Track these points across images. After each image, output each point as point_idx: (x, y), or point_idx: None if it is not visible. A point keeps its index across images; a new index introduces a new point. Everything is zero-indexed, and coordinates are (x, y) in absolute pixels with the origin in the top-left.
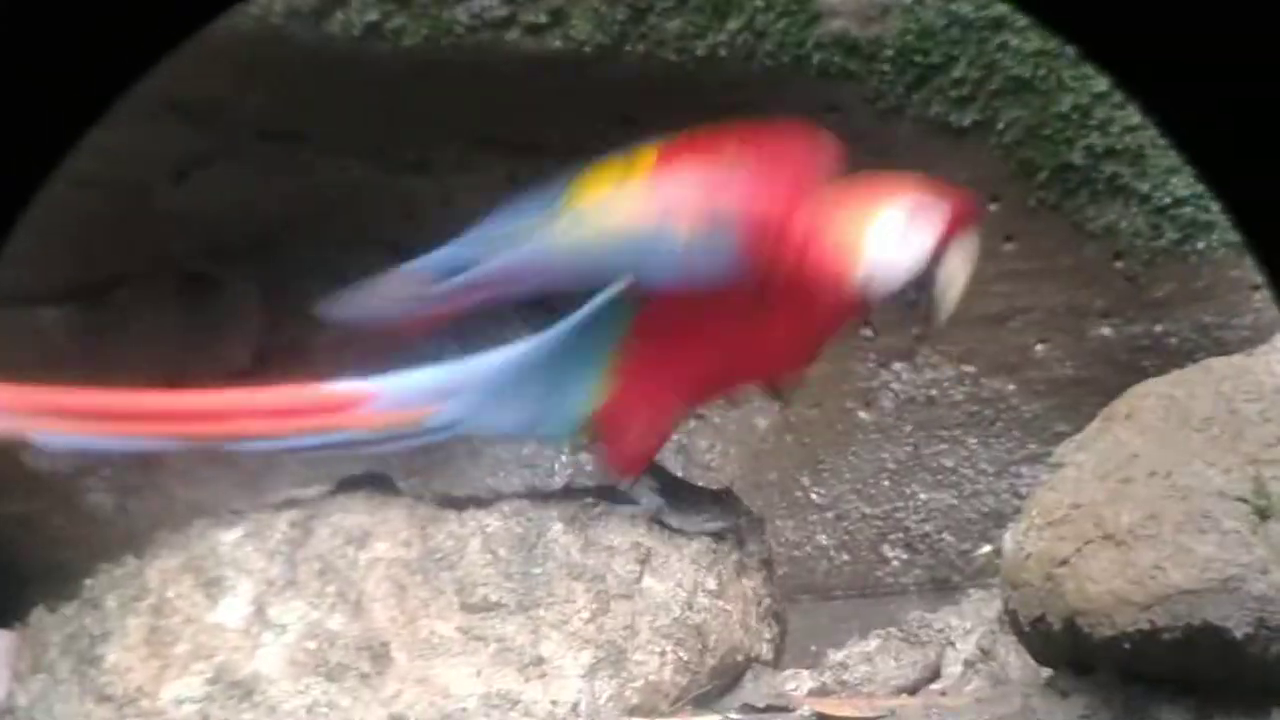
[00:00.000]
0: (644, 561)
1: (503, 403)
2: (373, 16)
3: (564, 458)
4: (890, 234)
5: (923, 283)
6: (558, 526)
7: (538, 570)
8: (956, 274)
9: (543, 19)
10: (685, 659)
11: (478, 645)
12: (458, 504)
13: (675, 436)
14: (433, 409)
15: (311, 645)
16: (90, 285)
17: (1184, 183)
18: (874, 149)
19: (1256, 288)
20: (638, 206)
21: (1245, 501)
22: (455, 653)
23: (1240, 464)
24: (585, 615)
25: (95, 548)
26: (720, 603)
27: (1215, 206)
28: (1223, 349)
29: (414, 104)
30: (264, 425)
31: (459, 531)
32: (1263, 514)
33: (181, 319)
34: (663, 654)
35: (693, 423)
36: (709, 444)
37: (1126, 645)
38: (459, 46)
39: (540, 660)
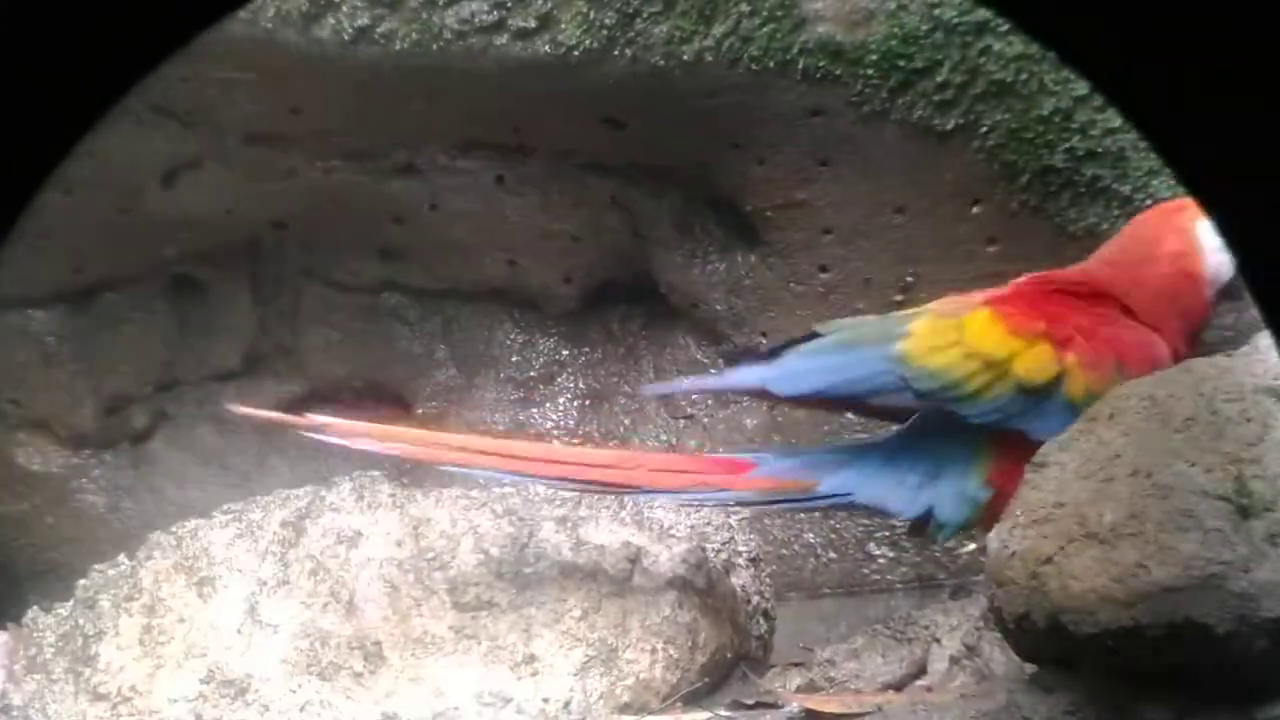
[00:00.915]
0: (634, 560)
1: (887, 482)
2: (363, 21)
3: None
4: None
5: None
6: (549, 525)
7: (529, 569)
8: None
9: (531, 24)
10: (675, 656)
11: (470, 644)
12: (450, 504)
13: (665, 437)
14: (815, 481)
15: (304, 644)
16: (79, 288)
17: (1165, 185)
18: (859, 152)
19: (1239, 290)
20: (1021, 366)
21: (1227, 500)
22: (447, 652)
23: (1222, 463)
24: (576, 614)
25: (89, 548)
26: (710, 601)
27: None
28: (1204, 349)
29: (403, 108)
30: (661, 480)
31: (451, 531)
32: (1244, 512)
33: (171, 322)
34: (653, 652)
35: (682, 423)
36: (698, 443)
37: (1110, 642)
38: (448, 51)
39: (532, 659)
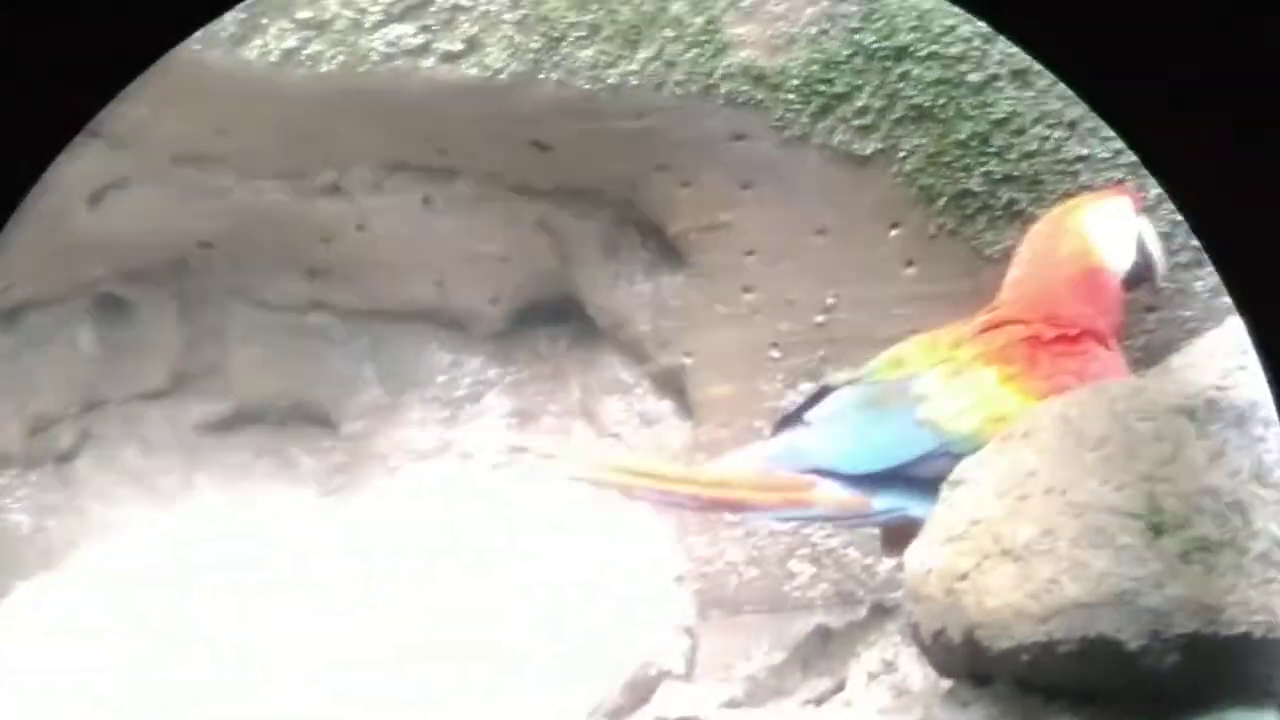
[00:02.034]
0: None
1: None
2: (290, 43)
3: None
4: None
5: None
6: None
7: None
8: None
9: (457, 47)
10: (604, 673)
11: None
12: (372, 516)
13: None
14: (869, 499)
15: None
16: (4, 308)
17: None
18: (781, 176)
19: (1150, 310)
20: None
21: (1139, 518)
22: None
23: (1134, 481)
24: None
25: (14, 567)
26: (633, 617)
27: None
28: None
29: (330, 129)
30: (760, 500)
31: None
32: (1156, 530)
33: (97, 341)
34: (583, 668)
35: (608, 441)
36: None
37: (1024, 657)
38: (375, 73)
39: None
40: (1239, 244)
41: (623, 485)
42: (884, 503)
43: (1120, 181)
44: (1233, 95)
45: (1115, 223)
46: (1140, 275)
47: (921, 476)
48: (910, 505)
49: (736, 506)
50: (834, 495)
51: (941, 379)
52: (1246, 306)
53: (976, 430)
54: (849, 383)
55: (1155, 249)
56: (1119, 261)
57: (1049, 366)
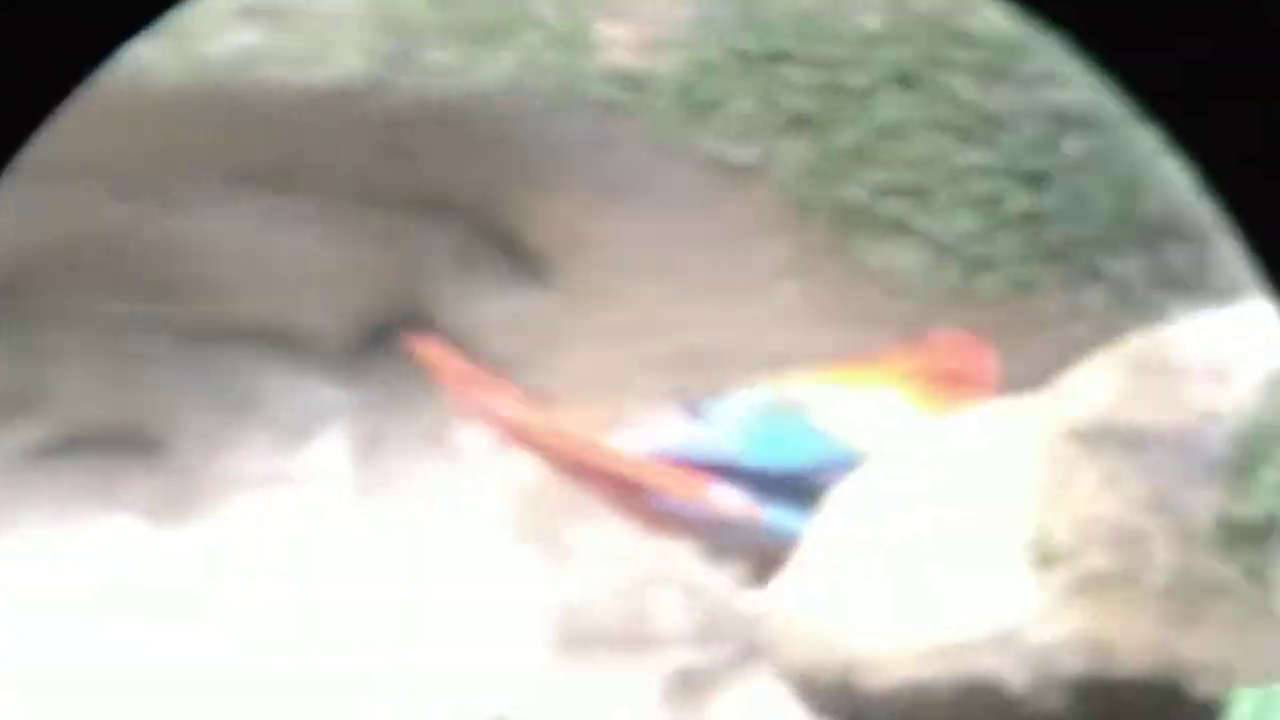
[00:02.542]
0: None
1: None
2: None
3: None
4: None
5: None
6: None
7: None
8: None
9: (304, 51)
10: (449, 711)
11: None
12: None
13: (438, 480)
14: (759, 510)
15: None
16: None
17: (968, 220)
18: (652, 186)
19: (1042, 327)
20: None
21: (1026, 548)
22: None
23: (1020, 509)
24: None
25: None
26: (481, 657)
27: (1000, 245)
28: (1005, 390)
29: (169, 139)
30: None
31: None
32: (1044, 561)
33: None
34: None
35: (460, 469)
36: (477, 490)
37: (901, 699)
38: (215, 80)
39: None
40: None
41: (530, 438)
42: (776, 516)
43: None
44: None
45: None
46: None
47: (818, 488)
48: (802, 526)
49: (640, 489)
50: (726, 499)
51: (842, 392)
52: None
53: (874, 444)
54: (745, 390)
55: None
56: None
57: (952, 397)
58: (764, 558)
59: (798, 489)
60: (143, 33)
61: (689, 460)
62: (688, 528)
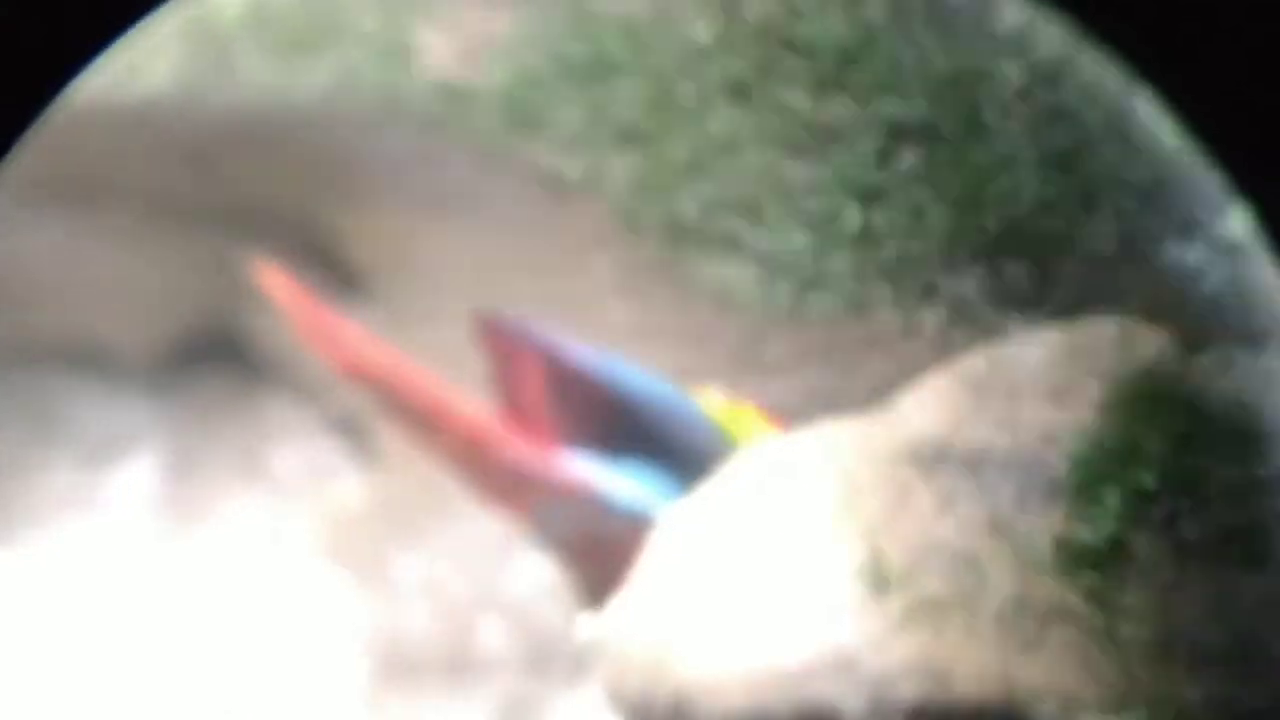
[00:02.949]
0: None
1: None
2: None
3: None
4: None
5: None
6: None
7: None
8: None
9: (120, 63)
10: None
11: None
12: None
13: (249, 507)
14: (609, 483)
15: None
16: None
17: (800, 237)
18: (476, 201)
19: (876, 345)
20: None
21: (860, 573)
22: None
23: (855, 533)
24: None
25: None
26: (302, 683)
27: (834, 262)
28: (838, 411)
29: None
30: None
31: None
32: (879, 586)
33: None
34: None
35: (276, 493)
36: (293, 515)
37: None
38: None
39: None
40: None
41: (369, 373)
42: (628, 489)
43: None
44: None
45: None
46: None
47: (672, 445)
48: (652, 502)
49: (482, 441)
50: (574, 468)
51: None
52: None
53: (726, 414)
54: None
55: None
56: None
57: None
58: (597, 543)
59: (654, 456)
60: None
61: (543, 358)
62: (522, 494)
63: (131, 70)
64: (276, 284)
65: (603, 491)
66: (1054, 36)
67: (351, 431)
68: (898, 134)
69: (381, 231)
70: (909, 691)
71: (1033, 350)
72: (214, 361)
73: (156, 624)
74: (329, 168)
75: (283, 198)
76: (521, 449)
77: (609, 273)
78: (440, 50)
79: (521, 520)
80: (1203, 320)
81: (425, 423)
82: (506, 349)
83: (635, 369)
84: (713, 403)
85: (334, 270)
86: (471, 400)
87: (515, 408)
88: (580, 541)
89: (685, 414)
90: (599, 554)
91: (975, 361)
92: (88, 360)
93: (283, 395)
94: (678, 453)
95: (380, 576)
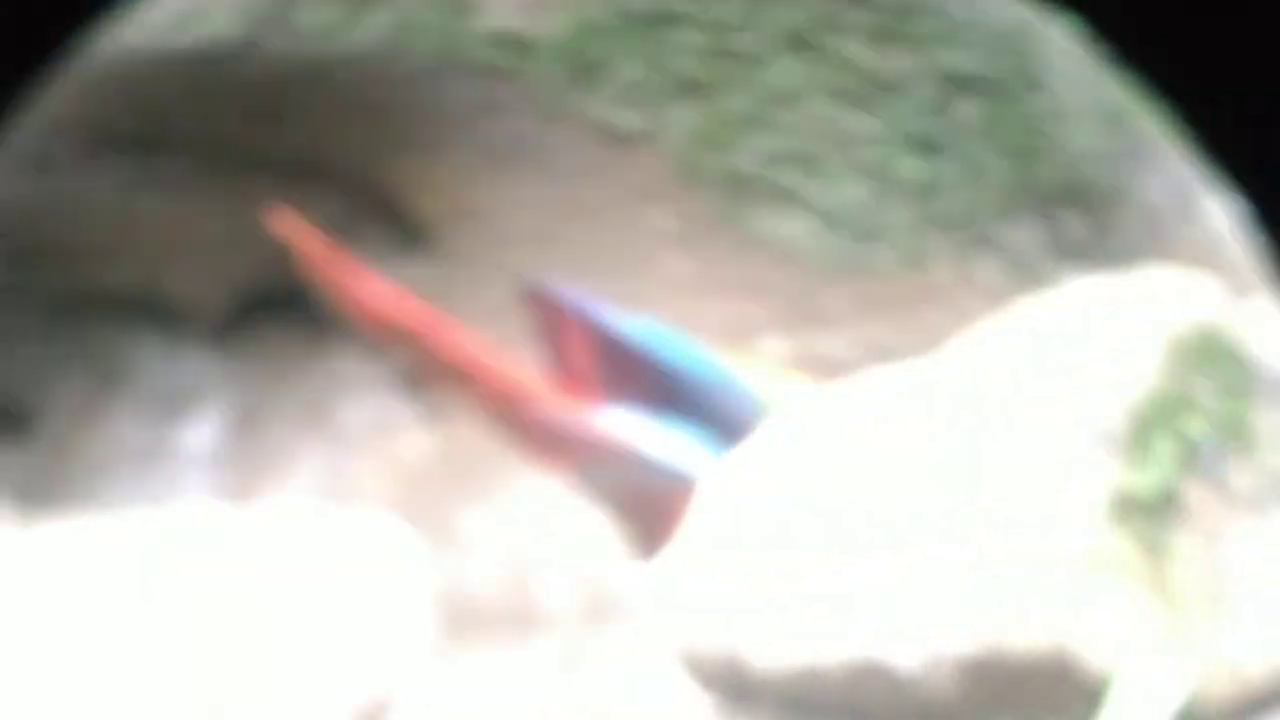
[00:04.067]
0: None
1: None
2: None
3: (202, 478)
4: None
5: None
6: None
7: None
8: None
9: (174, 12)
10: (336, 691)
11: None
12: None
13: (319, 460)
14: (651, 441)
15: None
16: None
17: (858, 189)
18: (537, 153)
19: (933, 297)
20: None
21: (913, 524)
22: None
23: (910, 481)
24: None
25: None
26: (373, 633)
27: (891, 214)
28: (894, 362)
29: (34, 101)
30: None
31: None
32: (933, 538)
33: None
34: (314, 687)
35: (343, 444)
36: (360, 466)
37: (791, 676)
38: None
39: None
40: None
41: (401, 330)
42: (669, 447)
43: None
44: None
45: None
46: None
47: (712, 407)
48: (685, 461)
49: (520, 399)
50: (616, 426)
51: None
52: None
53: (770, 381)
54: None
55: None
56: None
57: None
58: (643, 498)
59: (693, 416)
60: None
61: (586, 325)
62: (566, 451)
63: (190, 18)
64: (300, 237)
65: (645, 449)
66: None
67: (417, 386)
68: (955, 85)
69: (441, 182)
70: (960, 644)
71: (1089, 298)
72: (279, 315)
73: (223, 576)
74: (389, 118)
75: (343, 148)
76: (563, 406)
77: (667, 224)
78: (500, 1)
79: (568, 476)
80: (1245, 270)
81: (463, 380)
82: (551, 316)
83: (674, 333)
84: (753, 362)
85: (394, 220)
86: (512, 358)
87: (560, 368)
88: (628, 497)
89: (723, 379)
90: (646, 509)
91: (1029, 311)
92: (152, 313)
93: (349, 349)
94: (717, 414)
95: (444, 530)
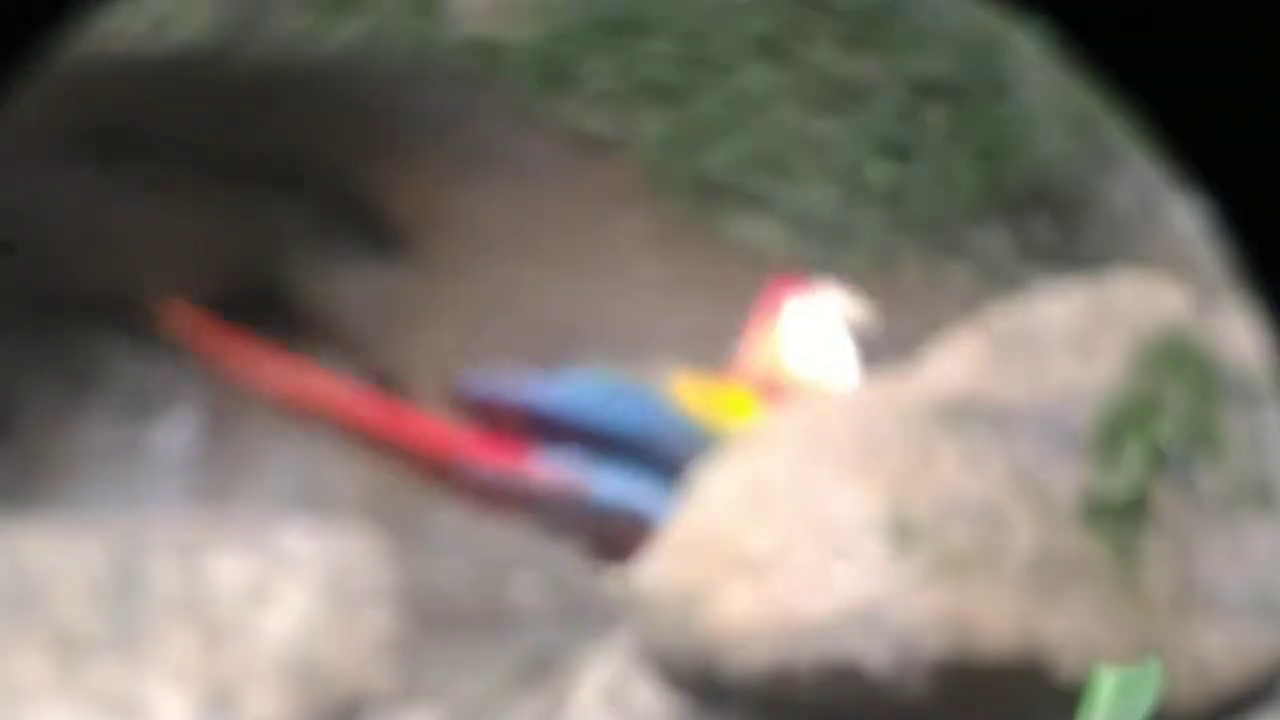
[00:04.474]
0: (259, 596)
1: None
2: None
3: (174, 480)
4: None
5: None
6: (164, 556)
7: (140, 605)
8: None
9: (150, 15)
10: (301, 695)
11: (71, 687)
12: (51, 533)
13: (294, 459)
14: (588, 482)
15: None
16: None
17: (828, 193)
18: (508, 158)
19: (903, 301)
20: None
21: (886, 528)
22: (46, 696)
23: (881, 488)
24: (192, 653)
25: None
26: (340, 636)
27: (861, 218)
28: (864, 365)
29: (4, 103)
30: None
31: (54, 563)
32: (904, 541)
33: None
34: (277, 691)
35: (316, 444)
36: (333, 467)
37: (761, 678)
38: (54, 41)
39: (140, 701)
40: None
41: (317, 406)
42: (607, 488)
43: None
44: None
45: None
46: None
47: (657, 458)
48: (635, 498)
49: (445, 458)
50: (551, 470)
51: (688, 377)
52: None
53: (717, 418)
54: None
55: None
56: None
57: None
58: (601, 536)
59: (638, 461)
60: None
61: (519, 411)
62: (513, 501)
63: (166, 22)
64: (190, 327)
65: (586, 490)
66: None
67: (388, 385)
68: (924, 91)
69: (416, 187)
70: (932, 645)
71: (1057, 306)
72: (252, 317)
73: (194, 574)
74: (363, 123)
75: (317, 152)
76: (491, 459)
77: (639, 228)
78: (473, 6)
79: (519, 519)
80: (1214, 276)
81: (390, 447)
82: (483, 407)
83: (614, 386)
84: (692, 390)
85: (368, 223)
86: (429, 419)
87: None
88: (582, 533)
89: (662, 422)
90: (603, 542)
91: (1000, 318)
92: (126, 314)
93: (320, 350)
94: (659, 455)
95: (415, 529)
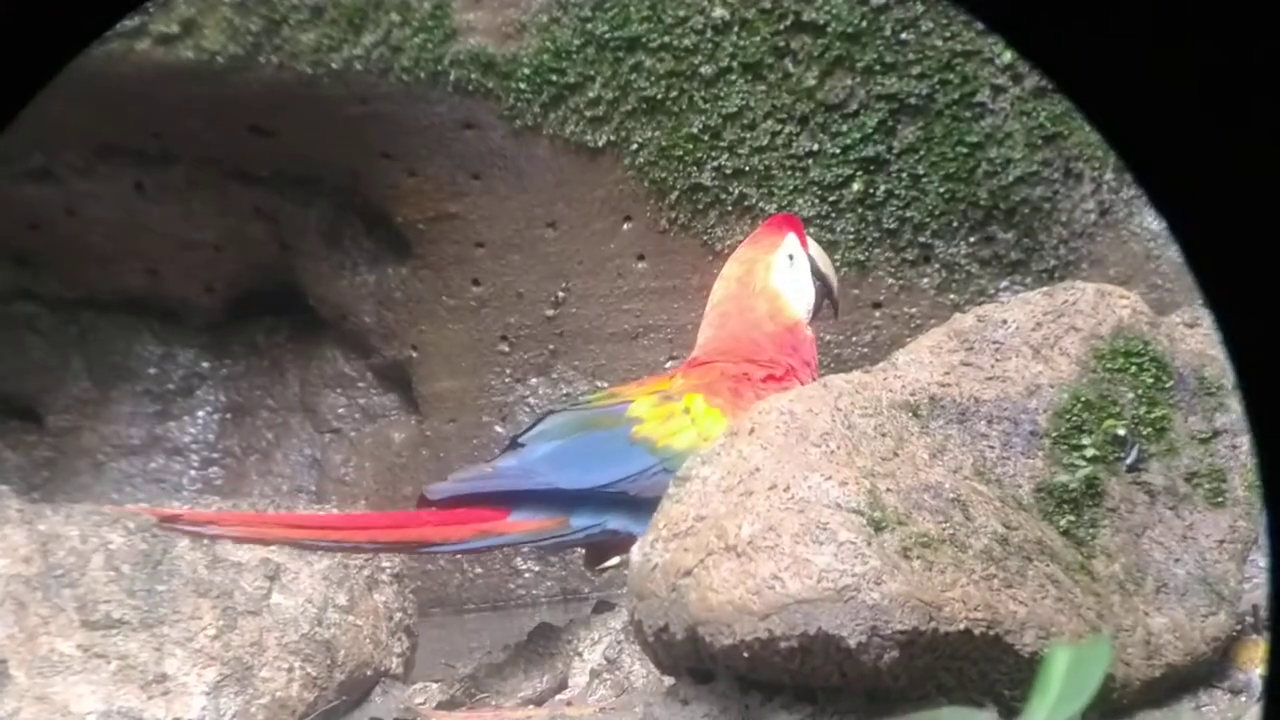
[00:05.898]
0: (272, 577)
1: (628, 513)
2: None
3: (193, 471)
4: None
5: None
6: (184, 542)
7: (161, 587)
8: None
9: (173, 29)
10: (313, 674)
11: (99, 662)
12: (80, 520)
13: (310, 452)
14: (567, 518)
15: None
16: None
17: (809, 203)
18: (511, 166)
19: (877, 305)
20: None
21: (860, 513)
22: (76, 670)
23: (856, 477)
24: (211, 632)
25: None
26: (350, 618)
27: (838, 226)
28: (841, 365)
29: (39, 110)
30: (447, 534)
31: (81, 548)
32: (877, 526)
33: None
34: (290, 670)
35: (328, 437)
36: (344, 458)
37: (745, 654)
38: (86, 54)
39: (163, 678)
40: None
41: (287, 540)
42: (583, 519)
43: (780, 212)
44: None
45: (795, 270)
46: (822, 301)
47: (637, 494)
48: (608, 519)
49: (420, 545)
50: (528, 522)
51: (654, 404)
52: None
53: (689, 447)
54: (564, 409)
55: (830, 273)
56: (806, 307)
57: (754, 398)
58: (587, 548)
59: (612, 498)
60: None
61: (501, 492)
62: (495, 549)
63: (188, 35)
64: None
65: (567, 525)
66: None
67: (396, 380)
68: (898, 109)
69: (425, 193)
70: (902, 621)
71: (1020, 310)
72: (270, 315)
73: (213, 557)
74: (375, 133)
75: (332, 160)
76: (469, 530)
77: (633, 235)
78: (476, 24)
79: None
80: (1172, 283)
81: (359, 550)
82: (458, 502)
83: (574, 438)
84: (648, 411)
85: (378, 227)
86: (385, 515)
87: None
88: (568, 550)
89: (629, 467)
90: (591, 549)
91: (966, 321)
92: (154, 311)
93: (334, 347)
94: (627, 497)
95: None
